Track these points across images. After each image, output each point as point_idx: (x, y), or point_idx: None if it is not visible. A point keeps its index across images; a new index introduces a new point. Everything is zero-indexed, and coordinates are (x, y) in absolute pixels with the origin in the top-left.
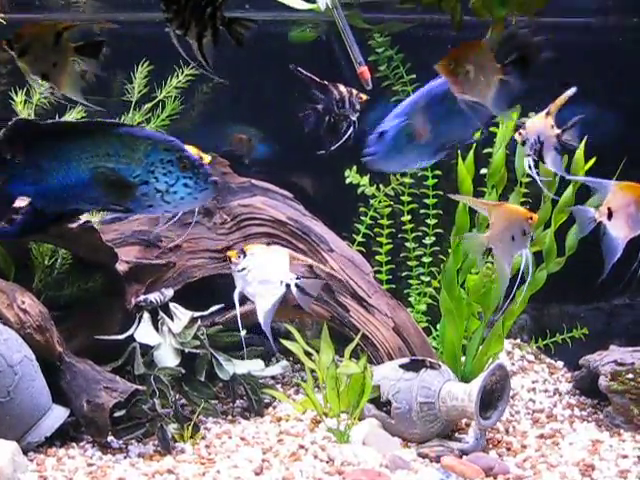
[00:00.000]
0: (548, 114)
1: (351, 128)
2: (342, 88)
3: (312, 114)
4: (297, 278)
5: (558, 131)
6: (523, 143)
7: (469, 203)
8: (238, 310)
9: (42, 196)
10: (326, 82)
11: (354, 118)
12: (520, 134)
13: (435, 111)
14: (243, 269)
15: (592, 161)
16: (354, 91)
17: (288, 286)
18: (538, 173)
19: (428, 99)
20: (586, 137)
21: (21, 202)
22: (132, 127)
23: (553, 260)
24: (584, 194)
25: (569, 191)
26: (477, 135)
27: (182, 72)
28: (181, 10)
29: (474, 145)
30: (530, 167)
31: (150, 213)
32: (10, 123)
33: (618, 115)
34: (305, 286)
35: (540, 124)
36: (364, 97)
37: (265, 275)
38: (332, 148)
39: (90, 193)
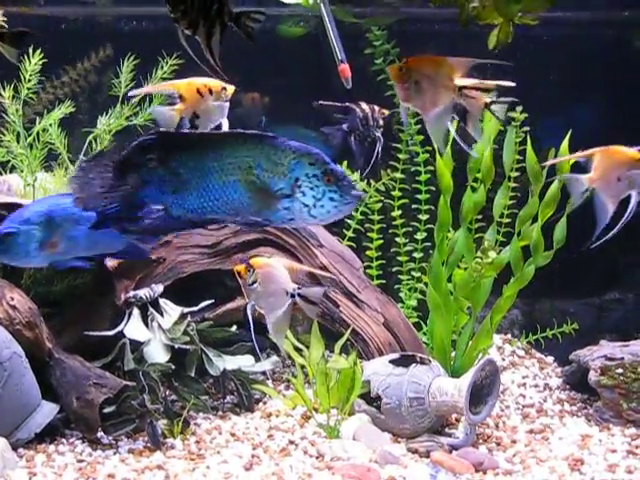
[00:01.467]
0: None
1: (379, 144)
2: (364, 106)
3: (338, 134)
4: (299, 288)
5: (487, 100)
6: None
7: (570, 157)
8: (252, 328)
9: (179, 205)
10: (348, 103)
11: (379, 134)
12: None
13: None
14: (254, 282)
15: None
16: (376, 107)
17: (293, 296)
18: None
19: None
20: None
21: None
22: (276, 138)
23: (541, 254)
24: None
25: (555, 185)
26: None
27: (166, 62)
28: (188, 9)
29: (451, 139)
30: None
31: (290, 225)
32: (149, 132)
33: (608, 106)
34: (308, 295)
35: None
36: (386, 112)
37: (272, 287)
38: (368, 169)
39: (230, 205)
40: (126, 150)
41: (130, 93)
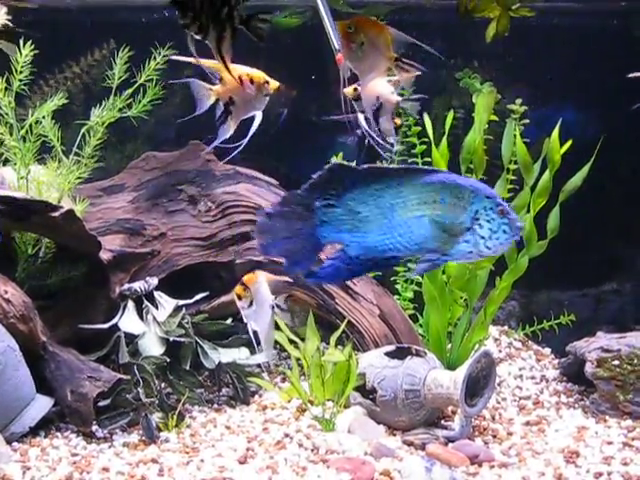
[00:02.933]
0: (392, 81)
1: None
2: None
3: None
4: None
5: (399, 98)
6: (356, 99)
7: None
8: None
9: (358, 244)
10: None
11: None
12: (355, 90)
13: None
14: (251, 303)
15: (569, 143)
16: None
17: (272, 307)
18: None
19: None
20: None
21: None
22: (450, 174)
23: (534, 245)
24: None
25: (546, 175)
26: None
27: (159, 54)
28: (197, 15)
29: (447, 130)
30: (366, 123)
31: (466, 259)
32: (325, 167)
33: (602, 98)
34: (280, 304)
35: (382, 87)
36: (398, 122)
37: (261, 304)
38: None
39: (414, 240)
40: (304, 189)
41: (172, 57)
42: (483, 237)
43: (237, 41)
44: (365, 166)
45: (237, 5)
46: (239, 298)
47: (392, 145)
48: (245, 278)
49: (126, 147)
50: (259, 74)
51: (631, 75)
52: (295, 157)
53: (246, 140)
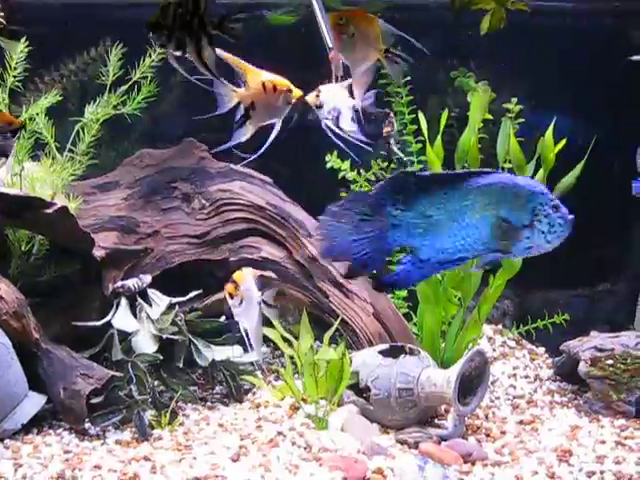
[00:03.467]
0: (346, 86)
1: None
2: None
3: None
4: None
5: (354, 102)
6: (318, 107)
7: None
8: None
9: (429, 247)
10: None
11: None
12: (317, 96)
13: None
14: (241, 302)
15: (562, 142)
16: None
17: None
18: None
19: None
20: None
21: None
22: (506, 174)
23: None
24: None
25: (540, 174)
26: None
27: (154, 51)
28: (172, 32)
29: (442, 129)
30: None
31: (526, 255)
32: (392, 174)
33: (593, 98)
34: (267, 299)
35: (337, 93)
36: (388, 130)
37: (250, 301)
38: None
39: (480, 241)
40: (374, 193)
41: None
42: (543, 232)
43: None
44: (429, 172)
45: (206, 12)
46: (231, 296)
47: (370, 147)
48: (235, 276)
49: (121, 144)
50: (283, 81)
51: (634, 58)
52: (289, 155)
53: (265, 146)
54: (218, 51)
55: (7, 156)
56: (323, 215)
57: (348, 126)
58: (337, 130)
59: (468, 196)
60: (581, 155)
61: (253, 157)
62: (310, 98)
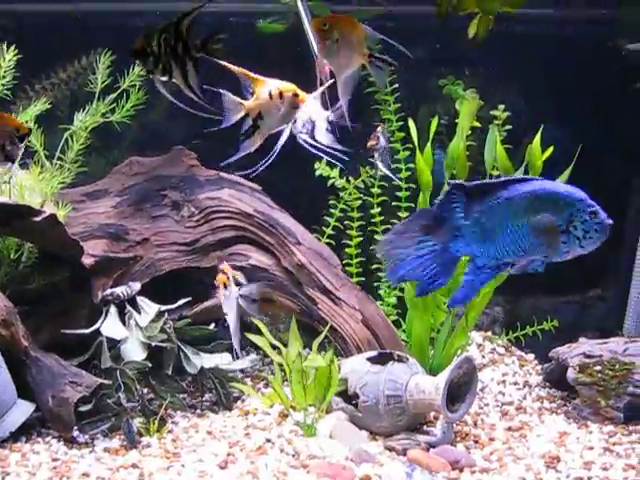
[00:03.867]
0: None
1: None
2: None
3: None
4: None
5: (327, 112)
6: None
7: None
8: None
9: (485, 254)
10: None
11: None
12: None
13: None
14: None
15: (549, 150)
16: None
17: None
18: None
19: None
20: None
21: None
22: (545, 181)
23: None
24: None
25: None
26: None
27: None
28: (158, 58)
29: (432, 136)
30: (306, 141)
31: (562, 259)
32: (448, 185)
33: (578, 106)
34: (249, 294)
35: (310, 105)
36: (373, 142)
37: (232, 292)
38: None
39: (524, 246)
40: (433, 208)
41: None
42: (577, 237)
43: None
44: (478, 182)
45: (189, 37)
46: (225, 287)
47: (346, 154)
48: (224, 267)
49: (111, 152)
50: (289, 87)
51: (630, 46)
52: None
53: (274, 153)
54: (224, 64)
55: (14, 161)
56: (384, 238)
57: (324, 138)
58: (313, 142)
59: (511, 203)
60: (569, 161)
61: (262, 165)
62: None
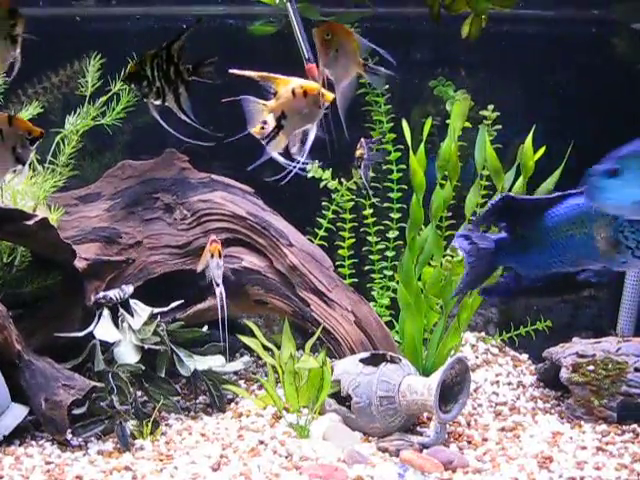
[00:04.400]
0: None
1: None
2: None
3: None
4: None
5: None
6: (264, 138)
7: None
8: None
9: (526, 264)
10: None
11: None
12: (263, 128)
13: None
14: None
15: (542, 150)
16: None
17: None
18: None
19: None
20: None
21: None
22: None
23: None
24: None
25: (520, 181)
26: None
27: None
28: (152, 82)
29: (425, 137)
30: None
31: (624, 268)
32: (498, 198)
33: (575, 102)
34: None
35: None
36: (360, 152)
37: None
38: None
39: (571, 257)
40: (479, 219)
41: (230, 71)
42: (630, 248)
43: None
44: (524, 196)
45: (181, 60)
46: (219, 256)
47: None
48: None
49: (103, 156)
50: (313, 85)
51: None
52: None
53: (304, 156)
54: (241, 72)
55: (24, 164)
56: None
57: (297, 153)
58: (282, 160)
59: (554, 217)
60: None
61: (290, 168)
62: (255, 129)
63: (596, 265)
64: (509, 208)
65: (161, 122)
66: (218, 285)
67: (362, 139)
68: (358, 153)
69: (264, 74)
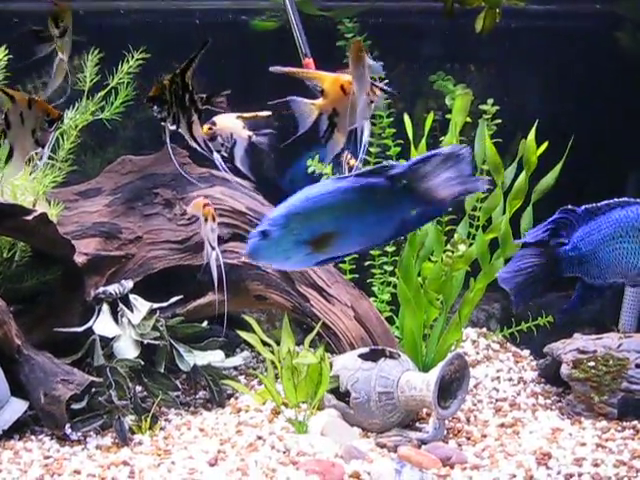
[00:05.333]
0: (240, 117)
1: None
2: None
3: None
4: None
5: (250, 133)
6: (212, 139)
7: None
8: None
9: (589, 274)
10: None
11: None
12: (210, 129)
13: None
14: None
15: (544, 146)
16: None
17: None
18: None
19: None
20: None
21: None
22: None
23: (509, 246)
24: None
25: (522, 177)
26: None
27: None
28: (170, 107)
29: (427, 132)
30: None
31: None
32: (559, 211)
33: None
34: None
35: (232, 124)
36: (352, 163)
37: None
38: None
39: (629, 267)
40: (542, 231)
41: (271, 69)
42: None
43: None
44: (584, 206)
45: (194, 89)
46: (213, 219)
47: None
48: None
49: (104, 151)
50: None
51: None
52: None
53: (362, 154)
54: (284, 69)
55: (44, 147)
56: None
57: (239, 157)
58: (221, 164)
59: (610, 226)
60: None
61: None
62: (204, 129)
63: None
64: (568, 219)
65: (171, 153)
66: (214, 248)
67: (346, 153)
68: (351, 164)
69: (308, 72)
